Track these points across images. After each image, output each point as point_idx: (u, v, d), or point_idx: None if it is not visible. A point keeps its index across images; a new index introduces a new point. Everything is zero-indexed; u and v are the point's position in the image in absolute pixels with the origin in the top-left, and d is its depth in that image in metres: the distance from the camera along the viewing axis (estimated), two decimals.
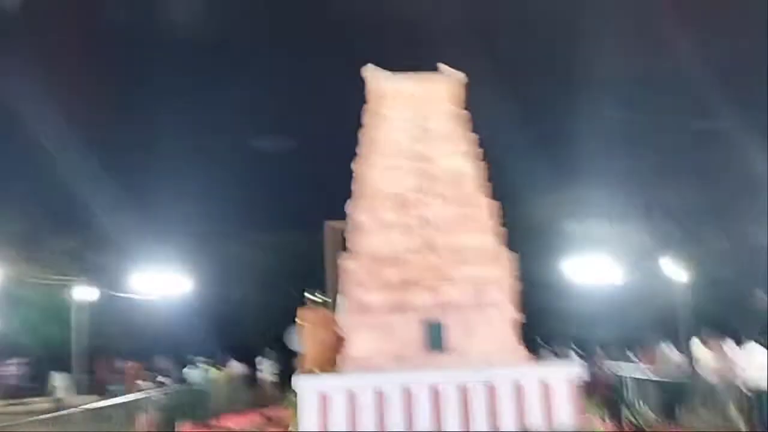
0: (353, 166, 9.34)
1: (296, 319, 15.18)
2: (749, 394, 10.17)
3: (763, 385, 9.88)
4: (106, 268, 26.77)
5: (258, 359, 25.43)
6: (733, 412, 10.19)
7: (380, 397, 7.80)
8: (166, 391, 15.41)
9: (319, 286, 17.03)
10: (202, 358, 23.75)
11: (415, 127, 9.28)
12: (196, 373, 22.13)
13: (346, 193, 9.11)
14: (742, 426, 9.86)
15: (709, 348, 13.88)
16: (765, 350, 11.70)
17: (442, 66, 9.48)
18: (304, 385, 7.84)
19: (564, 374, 8.21)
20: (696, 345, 16.32)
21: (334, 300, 13.21)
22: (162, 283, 26.01)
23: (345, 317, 8.53)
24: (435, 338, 8.48)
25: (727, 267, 22.27)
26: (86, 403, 13.80)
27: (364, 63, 9.50)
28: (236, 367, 24.24)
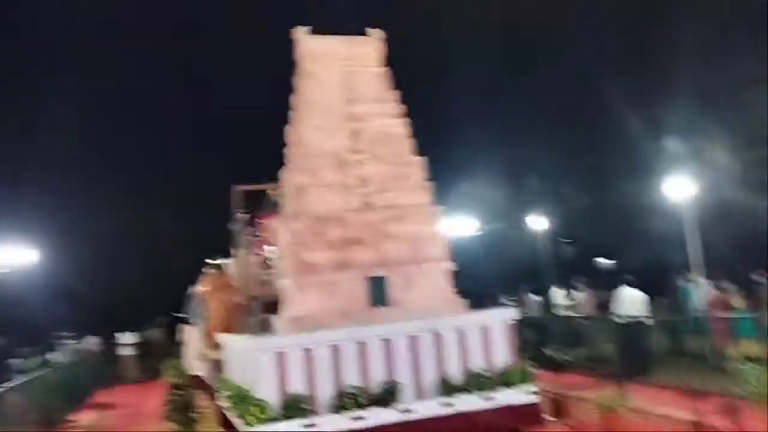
0: (286, 128, 9.40)
1: (195, 286, 14.95)
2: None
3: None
4: None
5: (119, 334, 24.93)
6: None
7: (336, 351, 8.02)
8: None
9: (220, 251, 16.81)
10: (64, 335, 22.81)
11: (345, 88, 9.45)
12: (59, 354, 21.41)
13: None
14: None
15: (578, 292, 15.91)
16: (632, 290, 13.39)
17: (369, 30, 9.69)
18: (261, 344, 7.89)
19: (500, 318, 8.84)
20: (554, 291, 18.44)
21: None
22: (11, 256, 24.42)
23: (290, 277, 8.60)
24: (378, 293, 8.79)
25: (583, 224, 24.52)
26: None
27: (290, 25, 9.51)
28: (93, 342, 23.51)
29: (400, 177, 9.22)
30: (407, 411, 8.04)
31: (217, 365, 12.05)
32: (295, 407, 7.68)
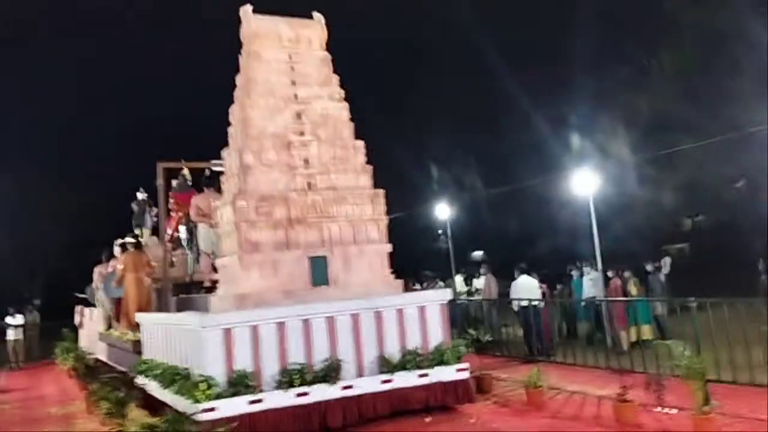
0: (230, 108, 9.37)
1: (112, 265, 14.51)
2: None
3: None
4: None
5: (13, 314, 23.80)
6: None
7: (281, 328, 8.13)
8: None
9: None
10: None
11: (290, 70, 9.52)
12: None
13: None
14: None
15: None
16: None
17: (315, 13, 9.79)
18: (208, 321, 7.88)
19: (436, 299, 9.23)
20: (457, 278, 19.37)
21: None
22: None
23: (233, 255, 8.62)
24: (320, 273, 8.95)
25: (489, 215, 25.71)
26: None
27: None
28: None
29: (341, 159, 9.40)
30: (349, 387, 8.29)
31: (135, 346, 11.78)
32: (241, 383, 7.74)
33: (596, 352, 11.94)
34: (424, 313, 9.02)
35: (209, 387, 7.59)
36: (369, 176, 9.52)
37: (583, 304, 15.07)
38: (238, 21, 9.49)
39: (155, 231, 21.42)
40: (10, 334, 23.34)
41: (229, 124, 9.47)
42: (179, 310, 11.84)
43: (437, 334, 9.06)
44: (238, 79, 9.40)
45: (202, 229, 12.34)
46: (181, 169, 16.46)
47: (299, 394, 7.99)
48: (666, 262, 17.51)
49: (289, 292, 8.70)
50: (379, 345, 8.68)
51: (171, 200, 16.56)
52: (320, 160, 9.26)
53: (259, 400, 7.77)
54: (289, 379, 7.97)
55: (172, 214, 16.31)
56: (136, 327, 12.30)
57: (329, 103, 9.54)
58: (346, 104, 9.68)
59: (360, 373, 8.49)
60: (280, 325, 8.15)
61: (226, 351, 7.84)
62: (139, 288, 12.45)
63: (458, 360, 9.02)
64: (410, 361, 8.67)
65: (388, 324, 8.77)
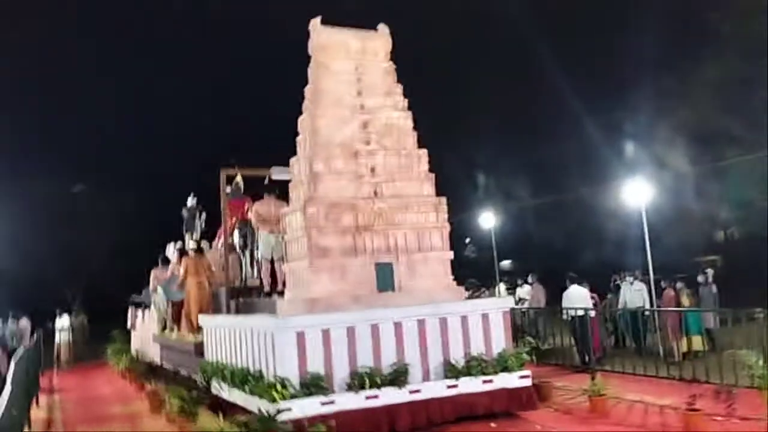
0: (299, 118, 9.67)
1: (171, 269, 14.89)
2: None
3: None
4: None
5: (60, 315, 24.41)
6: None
7: (351, 332, 8.35)
8: None
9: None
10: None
11: (356, 80, 9.76)
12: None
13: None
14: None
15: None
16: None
17: (380, 25, 10.03)
18: (282, 324, 8.13)
19: (498, 306, 9.38)
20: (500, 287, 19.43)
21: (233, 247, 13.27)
22: None
23: (303, 260, 8.86)
24: (386, 279, 9.15)
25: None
26: None
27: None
28: (23, 326, 22.88)
29: (405, 168, 9.61)
30: (416, 391, 8.47)
31: (197, 348, 12.09)
32: (314, 385, 7.97)
33: (646, 362, 11.94)
34: (488, 319, 9.17)
35: (284, 387, 7.83)
36: (432, 184, 9.72)
37: (631, 313, 15.04)
38: (307, 34, 9.75)
39: (204, 236, 21.88)
40: (58, 336, 23.99)
41: (296, 133, 9.73)
42: (239, 313, 12.15)
43: (500, 340, 9.20)
44: (307, 90, 9.67)
45: (262, 234, 12.63)
46: (236, 175, 16.84)
47: (369, 397, 8.19)
48: (710, 274, 17.41)
49: (357, 297, 8.91)
50: (444, 350, 8.85)
51: (231, 206, 16.95)
52: (386, 169, 9.47)
53: (331, 402, 7.99)
54: (359, 381, 8.18)
55: (227, 219, 16.68)
56: (197, 329, 12.63)
57: (393, 113, 9.76)
58: (409, 113, 9.90)
59: (426, 378, 8.67)
60: (350, 329, 8.37)
61: (299, 353, 8.08)
62: (200, 291, 12.77)
63: (521, 367, 9.15)
64: (475, 366, 8.82)
65: (452, 330, 8.94)
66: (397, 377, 8.38)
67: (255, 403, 8.23)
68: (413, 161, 9.70)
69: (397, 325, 8.62)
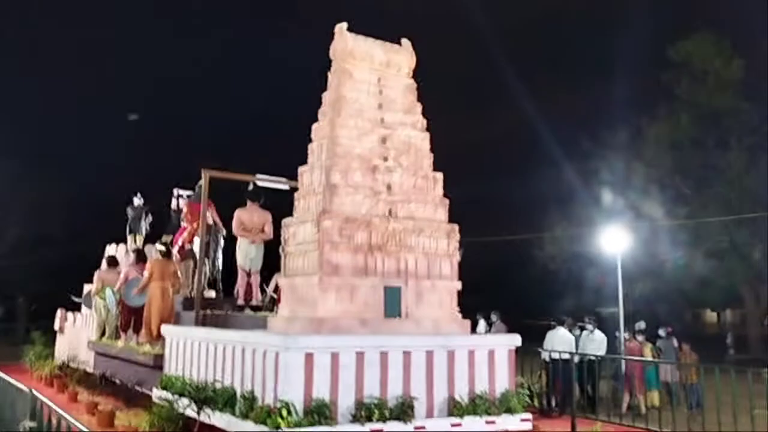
0: (315, 125, 9.09)
1: (130, 269, 13.87)
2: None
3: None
4: None
5: None
6: None
7: (360, 358, 7.76)
8: None
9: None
10: None
11: (378, 93, 9.29)
12: None
13: None
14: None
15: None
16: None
17: (404, 40, 9.62)
18: (291, 343, 7.46)
19: (505, 343, 8.97)
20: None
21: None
22: None
23: (311, 276, 8.23)
24: (394, 304, 8.61)
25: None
26: None
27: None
28: None
29: (421, 190, 9.15)
30: (421, 428, 7.92)
31: (156, 360, 11.14)
32: (319, 413, 7.31)
33: (611, 411, 11.85)
34: (493, 356, 8.75)
35: (289, 413, 7.13)
36: (446, 209, 9.29)
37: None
38: (331, 37, 9.24)
39: (148, 239, 20.64)
40: None
41: (309, 140, 9.15)
42: (204, 325, 11.29)
43: (504, 379, 8.79)
44: (326, 96, 9.12)
45: (242, 243, 11.84)
46: (200, 178, 15.98)
47: (374, 431, 7.58)
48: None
49: (364, 320, 8.33)
50: (449, 385, 8.36)
51: (183, 210, 15.98)
52: (402, 188, 8.99)
53: None
54: (366, 412, 7.57)
55: (184, 224, 15.72)
56: (156, 339, 11.67)
57: (412, 132, 9.32)
58: (428, 134, 9.48)
59: (430, 413, 8.14)
60: (359, 355, 7.77)
61: (306, 376, 7.41)
62: (164, 298, 11.82)
63: (523, 409, 8.75)
64: (480, 405, 8.36)
65: (459, 364, 8.47)
66: (404, 411, 7.81)
67: (246, 428, 7.49)
68: (429, 183, 9.26)
69: (406, 355, 8.08)
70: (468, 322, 9.29)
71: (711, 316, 45.45)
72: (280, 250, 9.00)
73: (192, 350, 9.84)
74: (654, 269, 25.66)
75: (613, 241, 14.51)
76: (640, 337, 15.02)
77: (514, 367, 9.00)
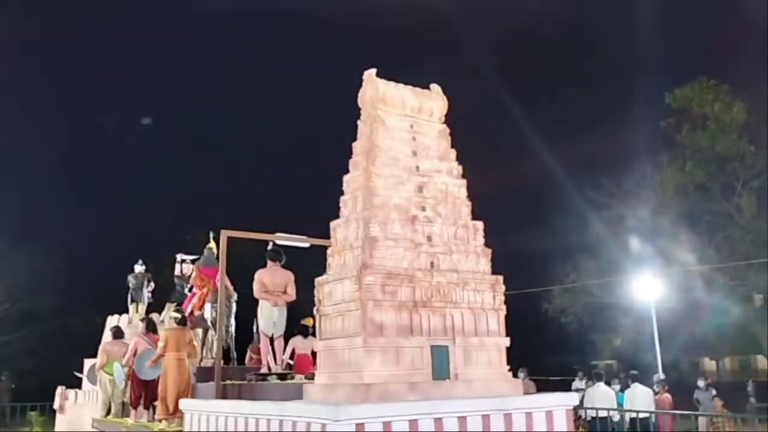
0: (346, 176, 8.58)
1: (139, 340, 13.17)
2: None
3: None
4: None
5: None
6: None
7: (413, 427, 7.05)
8: None
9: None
10: None
11: (411, 140, 8.81)
12: None
13: None
14: None
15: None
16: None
17: (433, 85, 9.22)
18: (342, 415, 6.74)
19: (563, 402, 8.27)
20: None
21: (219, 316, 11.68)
22: None
23: (358, 338, 7.57)
24: (442, 364, 7.93)
25: None
26: None
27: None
28: None
29: (461, 240, 8.58)
30: None
31: None
32: None
33: None
34: (552, 418, 8.04)
35: None
36: (488, 260, 8.69)
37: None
38: (360, 84, 8.82)
39: (150, 308, 19.87)
40: None
41: (341, 192, 8.61)
42: (225, 397, 10.56)
43: None
44: (358, 146, 8.63)
45: (264, 306, 11.15)
46: (208, 241, 15.43)
47: None
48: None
49: (413, 384, 7.63)
50: None
51: (193, 275, 15.37)
52: (442, 239, 8.42)
53: None
54: None
55: (195, 290, 15.08)
56: (173, 415, 10.86)
57: (448, 179, 8.80)
58: (464, 181, 8.96)
59: None
60: (413, 423, 7.06)
61: None
62: (180, 370, 11.05)
63: None
64: None
65: (517, 427, 7.75)
66: None
67: None
68: (469, 233, 8.68)
69: (461, 420, 7.37)
70: (520, 382, 8.60)
71: (710, 364, 44.58)
72: (314, 311, 8.34)
73: (217, 426, 9.05)
74: (668, 316, 25.08)
75: (645, 289, 13.92)
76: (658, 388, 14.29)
77: (573, 427, 8.27)
